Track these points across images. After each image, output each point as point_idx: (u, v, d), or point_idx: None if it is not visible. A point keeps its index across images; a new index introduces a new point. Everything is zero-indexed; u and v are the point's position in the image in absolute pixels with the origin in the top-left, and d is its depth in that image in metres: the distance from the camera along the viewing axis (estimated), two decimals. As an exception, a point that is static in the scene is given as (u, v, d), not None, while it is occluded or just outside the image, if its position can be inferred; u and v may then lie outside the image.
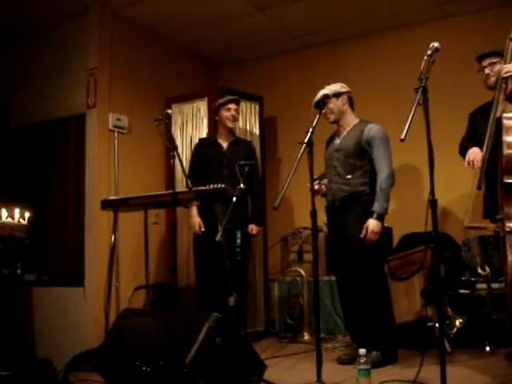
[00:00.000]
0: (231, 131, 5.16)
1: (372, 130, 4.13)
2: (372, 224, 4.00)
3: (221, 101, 5.09)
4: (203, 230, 4.85)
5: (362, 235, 4.00)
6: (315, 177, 3.88)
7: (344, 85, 4.30)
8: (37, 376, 3.46)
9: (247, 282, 5.23)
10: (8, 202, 3.80)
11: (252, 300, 5.65)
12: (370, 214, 4.02)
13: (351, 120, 4.28)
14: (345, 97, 4.26)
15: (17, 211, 3.63)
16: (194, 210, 4.92)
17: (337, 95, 4.22)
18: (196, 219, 4.90)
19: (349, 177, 4.16)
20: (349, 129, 4.26)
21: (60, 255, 5.31)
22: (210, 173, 4.91)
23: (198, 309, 4.83)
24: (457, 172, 4.88)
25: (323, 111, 4.02)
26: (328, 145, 4.41)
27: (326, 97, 4.08)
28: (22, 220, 3.65)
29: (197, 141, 5.43)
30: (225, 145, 5.11)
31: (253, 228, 5.01)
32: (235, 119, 5.12)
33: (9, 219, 3.55)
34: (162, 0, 5.30)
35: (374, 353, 3.93)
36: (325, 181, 4.36)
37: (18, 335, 3.76)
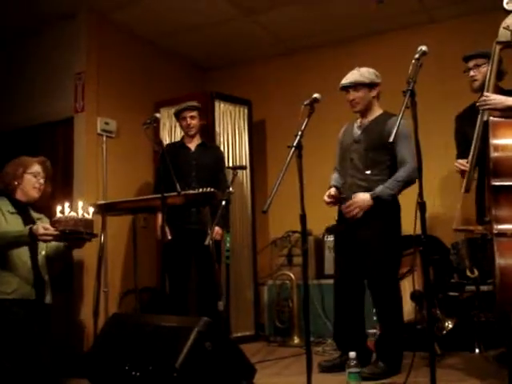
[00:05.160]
0: (195, 136, 5.13)
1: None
2: (361, 196, 3.79)
3: (175, 110, 5.08)
4: (170, 237, 4.76)
5: (345, 206, 3.83)
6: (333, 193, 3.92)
7: (378, 73, 3.98)
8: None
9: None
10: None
11: (241, 304, 5.64)
12: (389, 216, 3.84)
13: (375, 111, 4.00)
14: (377, 88, 3.97)
15: (80, 205, 3.51)
16: (160, 217, 4.82)
17: (370, 85, 3.93)
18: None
19: (368, 172, 3.87)
20: (371, 119, 3.98)
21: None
22: (180, 175, 4.81)
23: (174, 313, 4.74)
24: (446, 174, 4.92)
25: (350, 98, 3.90)
26: (343, 135, 4.15)
27: (360, 84, 3.88)
28: (86, 214, 3.55)
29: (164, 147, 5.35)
30: (193, 147, 5.10)
31: (218, 231, 4.83)
32: (190, 127, 5.05)
33: (72, 213, 3.46)
34: (150, 5, 5.30)
35: (380, 363, 3.74)
36: (337, 179, 4.12)
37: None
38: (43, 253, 3.78)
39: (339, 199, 3.98)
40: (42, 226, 3.44)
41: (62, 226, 3.41)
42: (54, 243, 3.69)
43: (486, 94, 3.46)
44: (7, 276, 3.53)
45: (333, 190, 4.02)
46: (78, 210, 3.50)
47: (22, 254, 3.62)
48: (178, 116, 5.09)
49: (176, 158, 4.95)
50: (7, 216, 3.66)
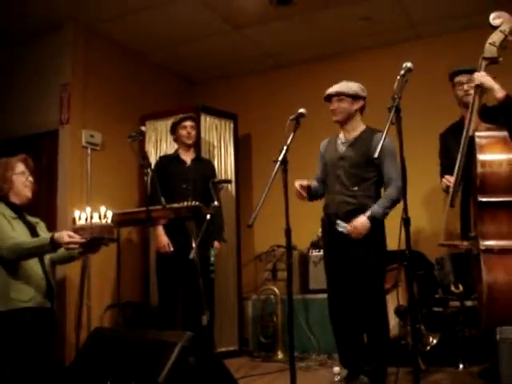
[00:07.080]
0: (191, 147, 5.12)
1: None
2: (360, 221, 3.77)
3: (175, 120, 5.06)
4: (172, 249, 4.78)
5: (347, 228, 3.81)
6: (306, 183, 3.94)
7: (364, 88, 4.01)
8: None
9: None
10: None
11: (225, 318, 5.60)
12: (376, 231, 3.83)
13: (357, 126, 3.99)
14: (361, 102, 3.98)
15: (102, 210, 3.44)
16: (161, 229, 4.81)
17: (354, 97, 3.94)
18: (164, 238, 4.80)
19: (355, 188, 3.88)
20: (355, 135, 3.97)
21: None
22: (174, 189, 4.80)
23: (163, 328, 4.72)
24: (430, 190, 4.94)
25: (332, 107, 3.94)
26: (326, 149, 4.15)
27: (343, 94, 3.92)
28: (108, 220, 3.44)
29: (158, 159, 5.34)
30: (188, 160, 5.07)
31: (216, 245, 4.91)
32: (191, 136, 5.04)
33: (95, 220, 3.37)
34: (137, 17, 5.30)
35: (364, 379, 3.77)
36: (314, 183, 4.15)
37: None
38: (48, 256, 3.68)
39: (332, 222, 3.95)
40: (67, 233, 3.35)
41: (87, 234, 3.35)
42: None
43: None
44: (21, 284, 3.44)
45: (306, 181, 4.00)
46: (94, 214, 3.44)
47: (33, 261, 3.54)
48: (177, 125, 5.03)
49: (170, 170, 4.93)
50: (12, 222, 3.56)
